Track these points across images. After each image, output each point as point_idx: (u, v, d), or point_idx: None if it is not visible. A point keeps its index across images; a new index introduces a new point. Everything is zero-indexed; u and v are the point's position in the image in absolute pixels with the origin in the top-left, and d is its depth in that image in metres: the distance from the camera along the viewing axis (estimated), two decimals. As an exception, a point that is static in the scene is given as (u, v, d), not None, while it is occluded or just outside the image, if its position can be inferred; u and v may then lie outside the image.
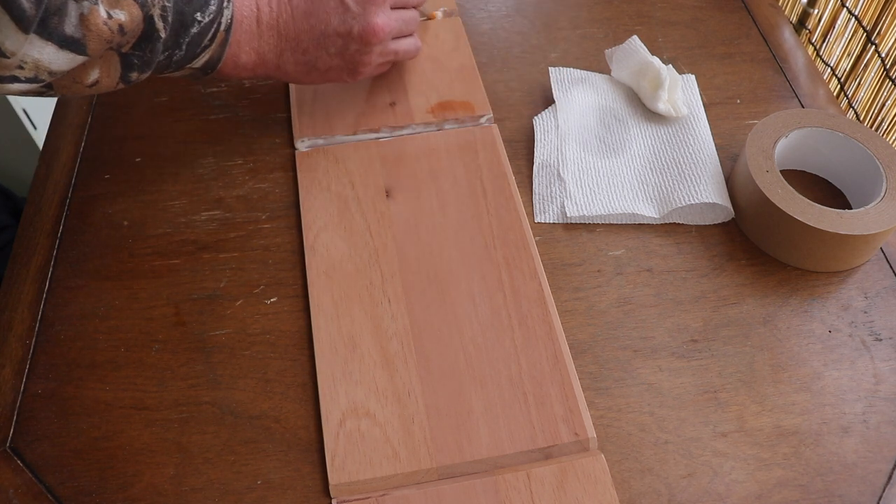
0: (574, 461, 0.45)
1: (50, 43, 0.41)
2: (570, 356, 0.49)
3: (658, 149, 0.61)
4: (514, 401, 0.47)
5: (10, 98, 1.15)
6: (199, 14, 0.48)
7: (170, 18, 0.46)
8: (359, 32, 0.54)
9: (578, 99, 0.64)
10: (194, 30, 0.48)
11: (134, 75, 0.47)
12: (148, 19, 0.45)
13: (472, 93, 0.64)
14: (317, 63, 0.55)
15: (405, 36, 0.60)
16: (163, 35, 0.46)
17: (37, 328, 0.51)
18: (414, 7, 0.60)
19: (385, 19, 0.55)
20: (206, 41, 0.49)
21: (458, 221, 0.56)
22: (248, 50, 0.53)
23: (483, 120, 0.63)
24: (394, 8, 0.57)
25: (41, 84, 0.43)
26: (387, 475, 0.44)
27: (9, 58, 0.40)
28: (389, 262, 0.53)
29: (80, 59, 0.43)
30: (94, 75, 0.45)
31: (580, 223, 0.57)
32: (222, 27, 0.50)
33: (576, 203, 0.57)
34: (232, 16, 0.50)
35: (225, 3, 0.49)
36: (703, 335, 0.51)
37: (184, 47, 0.48)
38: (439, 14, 0.70)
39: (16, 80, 0.42)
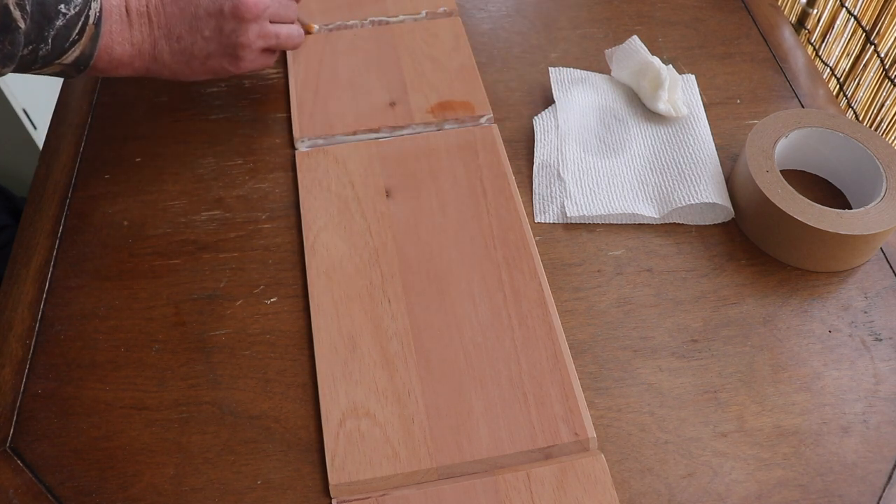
0: (574, 461, 0.45)
1: None
2: (570, 356, 0.49)
3: (658, 149, 0.61)
4: (514, 401, 0.47)
5: (10, 98, 1.15)
6: (62, 6, 0.46)
7: (28, 9, 0.45)
8: (230, 10, 0.53)
9: (578, 99, 0.64)
10: (59, 22, 0.46)
11: None
12: (3, 9, 0.43)
13: (472, 93, 0.64)
14: (193, 50, 0.54)
15: (286, 23, 0.58)
16: (22, 26, 0.44)
17: (37, 328, 0.51)
18: None
19: None
20: (74, 35, 0.47)
21: (458, 221, 0.56)
22: (122, 41, 0.51)
23: (483, 120, 0.63)
24: None
25: None
26: (387, 475, 0.44)
27: None
28: (389, 262, 0.53)
29: None
30: None
31: (580, 223, 0.57)
32: (91, 20, 0.48)
33: (576, 203, 0.57)
34: (101, 8, 0.49)
35: None
36: (703, 335, 0.51)
37: (49, 41, 0.47)
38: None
39: None
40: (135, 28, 0.51)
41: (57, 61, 0.49)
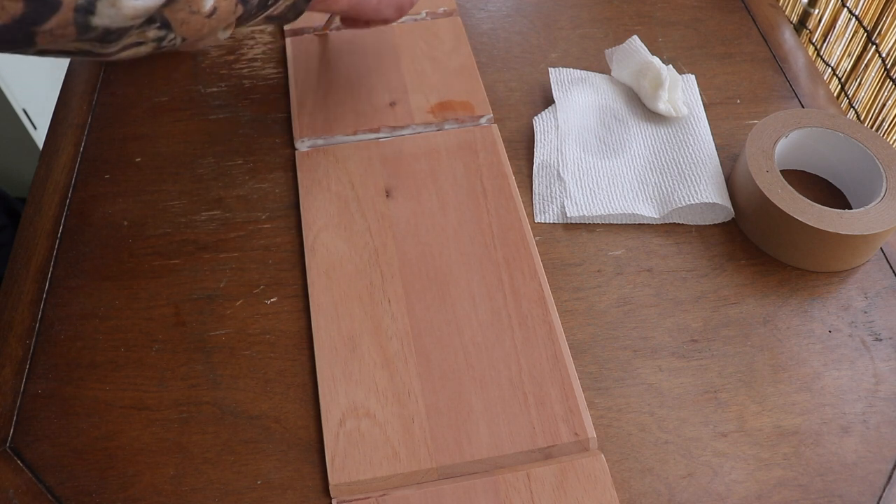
0: (574, 461, 0.45)
1: None
2: (570, 356, 0.49)
3: (658, 149, 0.61)
4: (514, 401, 0.47)
5: (10, 98, 1.15)
6: None
7: None
8: None
9: (578, 99, 0.64)
10: None
11: None
12: None
13: (472, 93, 0.64)
14: None
15: None
16: None
17: (37, 328, 0.51)
18: None
19: None
20: None
21: (458, 221, 0.56)
22: None
23: (483, 120, 0.63)
24: None
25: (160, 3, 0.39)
26: (387, 475, 0.44)
27: None
28: (389, 262, 0.53)
29: None
30: (209, 1, 0.41)
31: (580, 223, 0.57)
32: None
33: (576, 203, 0.57)
34: None
35: None
36: (703, 335, 0.51)
37: None
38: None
39: None
40: None
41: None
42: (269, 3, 0.46)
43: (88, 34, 0.38)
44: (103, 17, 0.38)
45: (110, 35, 0.39)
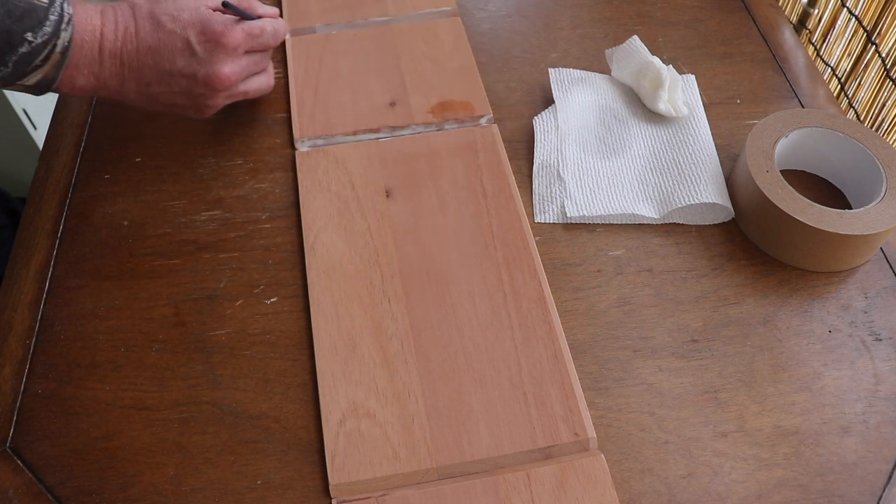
0: (574, 461, 0.45)
1: None
2: (570, 356, 0.49)
3: (658, 149, 0.61)
4: (514, 401, 0.47)
5: (10, 98, 1.15)
6: (30, 34, 0.47)
7: None
8: (203, 78, 0.54)
9: (578, 99, 0.64)
10: (23, 49, 0.47)
11: None
12: None
13: (472, 93, 0.64)
14: (160, 97, 0.55)
15: (256, 74, 0.59)
16: None
17: (37, 328, 0.51)
18: (265, 50, 0.58)
19: (232, 68, 0.54)
20: (37, 61, 0.49)
21: (458, 221, 0.56)
22: (87, 74, 0.52)
23: (483, 120, 0.63)
24: (246, 52, 0.56)
25: None
26: (387, 475, 0.44)
27: None
28: (389, 262, 0.53)
29: None
30: None
31: (580, 223, 0.57)
32: (58, 49, 0.49)
33: (576, 203, 0.57)
34: (70, 39, 0.50)
35: (63, 26, 0.49)
36: (703, 335, 0.51)
37: (10, 65, 0.48)
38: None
39: None
40: (105, 65, 0.52)
41: (18, 82, 0.50)
42: (25, 74, 0.49)
43: None
44: None
45: None
